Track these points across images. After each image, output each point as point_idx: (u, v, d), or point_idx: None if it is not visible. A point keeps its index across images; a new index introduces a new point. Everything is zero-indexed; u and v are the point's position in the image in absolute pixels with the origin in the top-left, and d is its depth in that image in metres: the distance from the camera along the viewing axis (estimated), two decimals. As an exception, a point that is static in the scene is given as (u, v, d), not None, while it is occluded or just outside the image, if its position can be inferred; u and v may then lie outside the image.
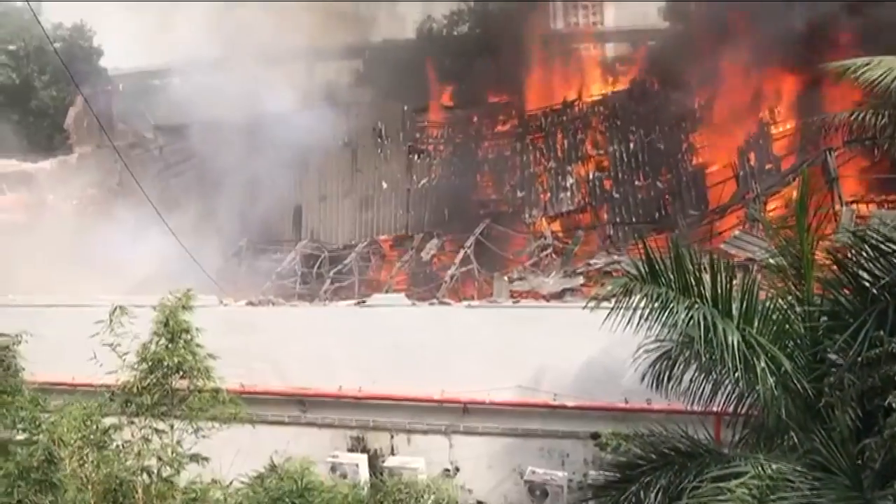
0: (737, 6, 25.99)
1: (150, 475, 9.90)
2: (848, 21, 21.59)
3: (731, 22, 26.07)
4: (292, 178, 28.84)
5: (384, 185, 28.37)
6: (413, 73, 30.22)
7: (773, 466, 6.90)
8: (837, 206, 19.02)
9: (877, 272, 7.54)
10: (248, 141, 27.57)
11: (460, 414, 13.88)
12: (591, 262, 22.60)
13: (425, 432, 14.09)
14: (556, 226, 26.11)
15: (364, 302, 16.61)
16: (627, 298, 8.22)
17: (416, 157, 28.87)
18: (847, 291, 7.79)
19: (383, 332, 14.72)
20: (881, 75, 8.62)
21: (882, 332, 7.09)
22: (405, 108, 29.29)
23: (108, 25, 38.69)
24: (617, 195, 26.02)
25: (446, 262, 24.58)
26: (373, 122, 29.08)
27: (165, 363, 9.87)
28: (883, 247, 7.57)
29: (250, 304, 17.22)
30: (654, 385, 8.80)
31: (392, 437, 14.29)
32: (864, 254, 7.70)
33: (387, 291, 21.39)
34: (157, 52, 35.58)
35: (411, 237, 26.57)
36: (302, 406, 14.78)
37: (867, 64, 8.85)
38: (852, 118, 9.67)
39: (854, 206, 19.51)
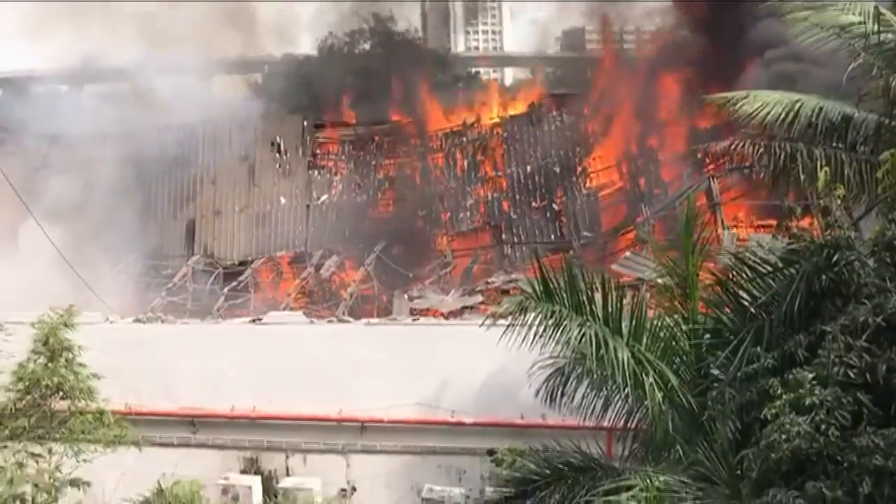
0: (634, 40, 27.32)
1: (23, 503, 9.32)
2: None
3: (625, 54, 27.35)
4: (186, 192, 27.94)
5: (282, 200, 27.88)
6: (314, 88, 29.93)
7: (661, 478, 7.17)
8: (720, 230, 20.08)
9: (755, 292, 8.00)
10: (140, 153, 26.53)
11: (358, 433, 13.75)
12: (490, 280, 22.98)
13: (322, 452, 13.86)
14: (457, 244, 26.40)
15: (260, 320, 16.25)
16: (523, 316, 8.37)
17: (316, 173, 28.56)
18: (728, 310, 8.23)
19: (280, 350, 14.43)
20: (756, 109, 9.17)
21: (759, 349, 7.51)
22: (305, 122, 28.95)
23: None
24: (515, 216, 26.60)
25: (346, 280, 24.37)
26: (272, 136, 28.58)
27: (44, 383, 9.43)
28: (760, 268, 8.04)
29: (138, 321, 16.57)
30: (549, 401, 8.97)
31: (287, 457, 13.98)
32: (744, 275, 8.15)
33: (284, 309, 20.98)
34: (42, 57, 33.80)
35: (311, 254, 26.20)
36: (192, 427, 14.28)
37: (745, 97, 9.39)
38: (732, 148, 10.19)
39: (735, 230, 20.66)
